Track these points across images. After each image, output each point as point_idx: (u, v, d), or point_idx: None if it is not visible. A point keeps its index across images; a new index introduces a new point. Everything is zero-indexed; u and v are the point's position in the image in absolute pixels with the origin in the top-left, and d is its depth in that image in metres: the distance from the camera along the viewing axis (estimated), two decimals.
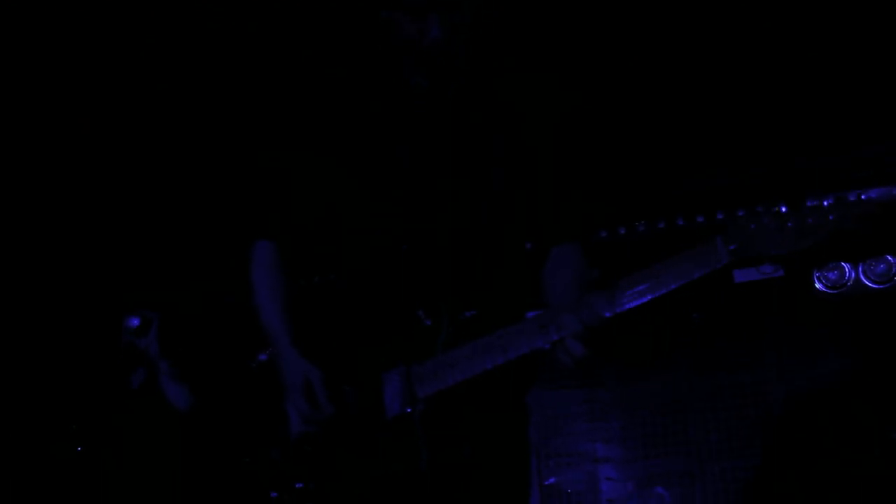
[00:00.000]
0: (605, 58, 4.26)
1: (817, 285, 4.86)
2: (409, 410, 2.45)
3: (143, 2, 3.87)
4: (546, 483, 5.06)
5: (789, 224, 2.20)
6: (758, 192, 4.73)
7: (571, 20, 4.09)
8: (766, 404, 4.80)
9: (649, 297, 2.32)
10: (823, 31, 4.13)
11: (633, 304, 2.32)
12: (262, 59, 4.14)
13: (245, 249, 2.81)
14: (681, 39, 4.20)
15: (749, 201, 4.63)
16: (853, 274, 4.80)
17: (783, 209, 2.17)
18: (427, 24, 2.49)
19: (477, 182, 2.59)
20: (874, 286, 4.76)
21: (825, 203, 2.13)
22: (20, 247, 4.58)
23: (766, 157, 4.73)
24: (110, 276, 4.50)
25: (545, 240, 2.61)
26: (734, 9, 4.05)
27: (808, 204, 2.14)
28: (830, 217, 2.16)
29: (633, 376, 5.08)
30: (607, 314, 2.31)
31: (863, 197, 2.18)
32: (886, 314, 4.69)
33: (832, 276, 4.84)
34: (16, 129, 4.21)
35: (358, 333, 2.59)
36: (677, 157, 4.73)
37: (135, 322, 2.75)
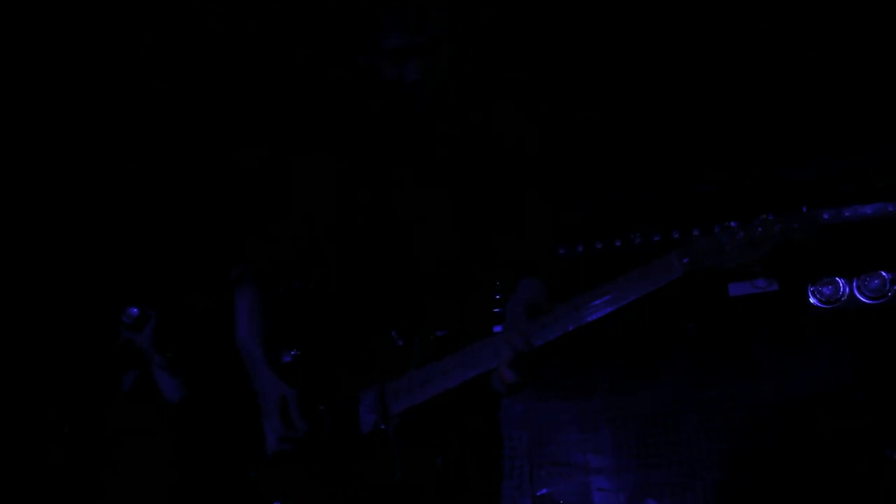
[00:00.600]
0: (571, 77, 4.29)
1: (812, 300, 4.87)
2: (382, 427, 2.53)
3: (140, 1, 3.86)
4: (538, 493, 5.06)
5: (739, 236, 2.26)
6: (724, 207, 4.79)
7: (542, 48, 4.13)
8: (760, 417, 4.81)
9: (587, 320, 2.36)
10: (794, 45, 4.16)
11: (564, 330, 2.39)
12: (254, 65, 4.15)
13: (227, 268, 2.85)
14: (645, 56, 4.22)
15: (713, 218, 4.69)
16: (848, 289, 4.82)
17: (733, 223, 2.28)
18: (406, 67, 2.56)
19: (453, 207, 2.66)
20: (868, 301, 4.78)
21: (771, 216, 2.23)
22: (15, 245, 4.56)
23: (736, 170, 4.76)
24: (105, 274, 4.50)
25: (509, 275, 2.68)
26: (700, 27, 4.07)
27: (758, 217, 2.23)
28: (776, 228, 2.26)
29: (626, 386, 5.08)
30: (537, 342, 2.37)
31: (806, 209, 2.23)
32: (880, 329, 4.71)
33: (827, 290, 4.86)
34: (16, 129, 4.21)
35: (334, 352, 2.69)
36: (639, 173, 4.76)
37: (134, 311, 2.81)
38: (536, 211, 2.72)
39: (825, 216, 4.84)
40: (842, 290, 4.85)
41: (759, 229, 2.29)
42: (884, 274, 4.77)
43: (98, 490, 4.47)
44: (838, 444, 4.57)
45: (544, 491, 5.07)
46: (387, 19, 2.54)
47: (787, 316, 4.88)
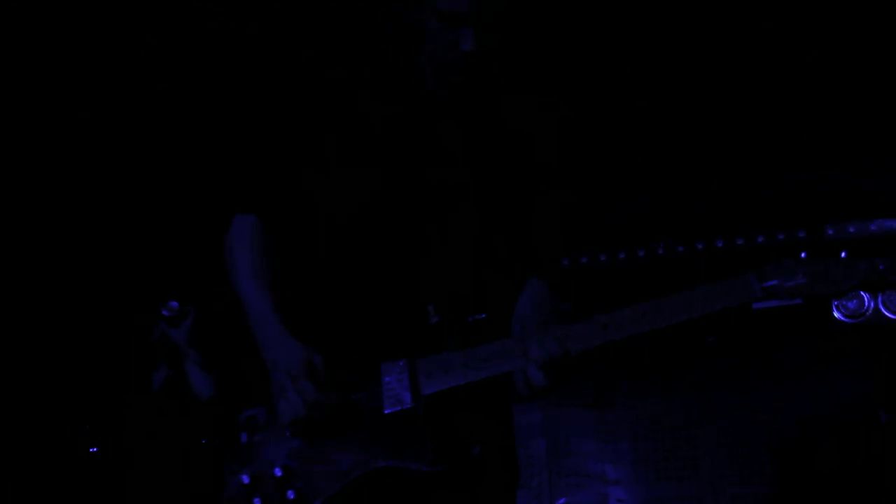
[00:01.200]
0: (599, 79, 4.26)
1: (836, 314, 4.82)
2: (411, 405, 2.40)
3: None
4: (556, 503, 5.04)
5: (820, 268, 2.30)
6: (751, 219, 4.77)
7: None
8: (780, 431, 4.76)
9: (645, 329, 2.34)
10: (821, 56, 4.12)
11: (605, 341, 2.36)
12: (268, 46, 4.09)
13: (222, 224, 2.68)
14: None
15: (737, 231, 4.68)
16: (872, 304, 4.77)
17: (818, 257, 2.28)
18: (460, 36, 2.44)
19: (480, 196, 2.60)
20: (893, 316, 4.72)
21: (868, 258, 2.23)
22: (39, 243, 4.58)
23: (756, 183, 4.73)
24: (142, 269, 4.50)
25: (518, 273, 2.61)
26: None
27: (842, 255, 2.24)
28: (861, 267, 2.28)
29: (646, 397, 5.05)
30: (575, 349, 2.32)
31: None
32: None
33: (851, 305, 4.81)
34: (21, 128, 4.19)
35: (352, 319, 2.54)
36: (660, 184, 4.74)
37: (174, 305, 2.70)
38: (548, 214, 2.66)
39: (851, 230, 4.81)
40: (866, 304, 4.80)
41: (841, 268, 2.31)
42: None
43: (123, 489, 4.47)
44: (859, 460, 4.52)
45: (562, 501, 5.04)
46: None
47: (810, 330, 4.83)
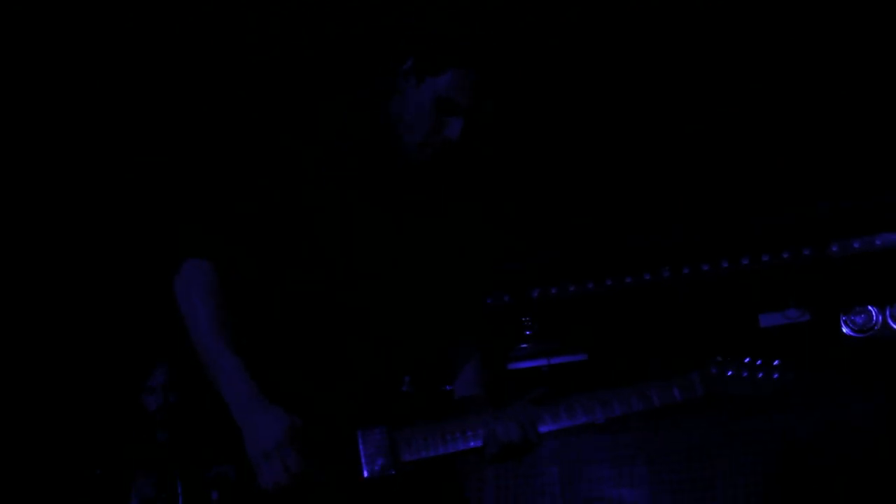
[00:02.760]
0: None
1: (844, 329, 4.83)
2: (392, 472, 2.43)
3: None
4: None
5: (758, 375, 2.54)
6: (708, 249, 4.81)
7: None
8: (793, 449, 4.75)
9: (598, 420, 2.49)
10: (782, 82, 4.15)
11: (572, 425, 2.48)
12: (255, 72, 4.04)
13: (167, 269, 2.50)
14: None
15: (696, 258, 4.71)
16: (880, 318, 4.78)
17: (757, 362, 2.54)
18: (450, 124, 2.43)
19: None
20: None
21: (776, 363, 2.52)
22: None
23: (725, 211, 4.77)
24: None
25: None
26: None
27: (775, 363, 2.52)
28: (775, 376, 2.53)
29: (659, 421, 5.05)
30: (544, 430, 2.43)
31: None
32: None
33: (859, 319, 4.82)
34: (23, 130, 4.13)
35: (323, 384, 2.50)
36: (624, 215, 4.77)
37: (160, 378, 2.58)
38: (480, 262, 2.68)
39: (856, 244, 4.82)
40: (874, 318, 4.80)
41: (776, 375, 2.53)
42: None
43: None
44: (873, 475, 4.50)
45: None
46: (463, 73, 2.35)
47: (819, 346, 4.83)
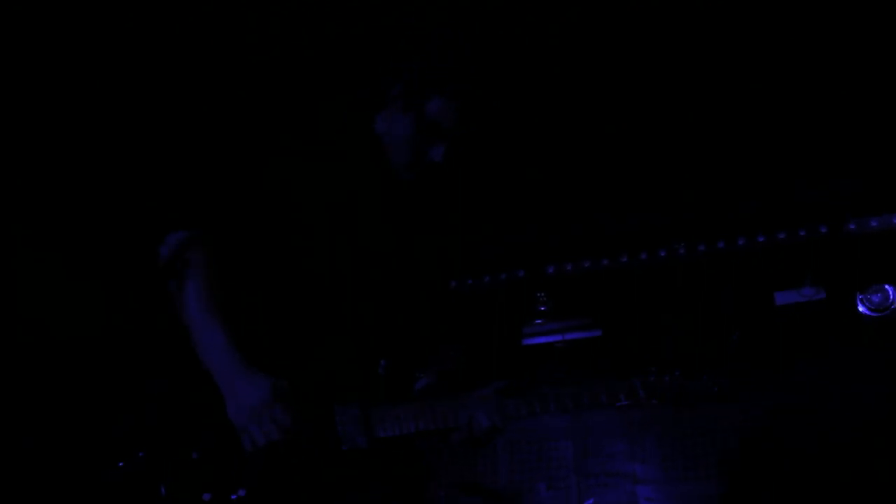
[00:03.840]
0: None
1: (860, 308, 4.81)
2: (364, 446, 2.54)
3: None
4: (585, 503, 5.06)
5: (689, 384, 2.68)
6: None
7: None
8: (807, 428, 4.75)
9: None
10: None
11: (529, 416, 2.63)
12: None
13: (153, 242, 2.54)
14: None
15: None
16: None
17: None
18: (434, 146, 2.51)
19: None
20: None
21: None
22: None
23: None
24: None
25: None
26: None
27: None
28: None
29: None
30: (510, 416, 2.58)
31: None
32: None
33: (875, 298, 4.80)
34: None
35: (302, 355, 2.58)
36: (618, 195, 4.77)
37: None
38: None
39: (873, 223, 4.79)
40: (891, 297, 4.78)
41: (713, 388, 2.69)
42: None
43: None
44: (890, 457, 4.50)
45: (590, 501, 5.06)
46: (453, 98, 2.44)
47: (835, 325, 4.82)
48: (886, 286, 4.79)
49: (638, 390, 2.62)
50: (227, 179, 2.56)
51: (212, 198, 2.56)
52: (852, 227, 4.76)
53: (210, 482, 2.48)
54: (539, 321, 5.15)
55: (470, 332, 2.78)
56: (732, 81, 4.25)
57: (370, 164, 2.58)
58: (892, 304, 4.77)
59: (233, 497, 2.46)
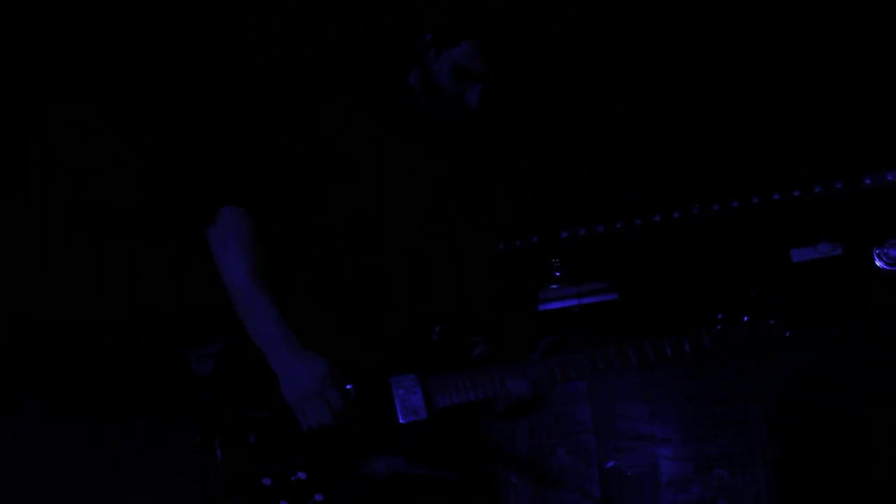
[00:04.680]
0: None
1: (877, 262, 4.78)
2: (424, 417, 2.50)
3: None
4: (606, 466, 5.07)
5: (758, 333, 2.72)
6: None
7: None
8: (826, 386, 4.75)
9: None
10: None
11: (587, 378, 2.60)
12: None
13: (201, 219, 2.55)
14: None
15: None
16: None
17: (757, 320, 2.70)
18: (469, 91, 2.54)
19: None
20: None
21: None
22: None
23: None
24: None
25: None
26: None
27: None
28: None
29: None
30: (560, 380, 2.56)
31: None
32: None
33: (893, 252, 4.77)
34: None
35: (354, 330, 2.57)
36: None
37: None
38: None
39: (889, 177, 4.75)
40: None
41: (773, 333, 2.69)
42: None
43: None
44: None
45: (611, 464, 5.07)
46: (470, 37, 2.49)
47: (851, 280, 4.80)
48: None
49: (704, 339, 2.59)
50: (270, 155, 2.57)
51: (258, 174, 2.56)
52: (868, 181, 4.73)
53: (269, 466, 2.45)
54: (555, 286, 5.14)
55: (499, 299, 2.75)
56: (748, 35, 4.22)
57: (409, 135, 2.61)
58: None
59: (292, 479, 2.44)
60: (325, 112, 2.60)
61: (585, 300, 5.14)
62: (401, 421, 2.48)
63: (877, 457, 4.45)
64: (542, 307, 5.19)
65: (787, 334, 2.67)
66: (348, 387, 2.48)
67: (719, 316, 2.61)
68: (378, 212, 2.57)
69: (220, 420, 2.47)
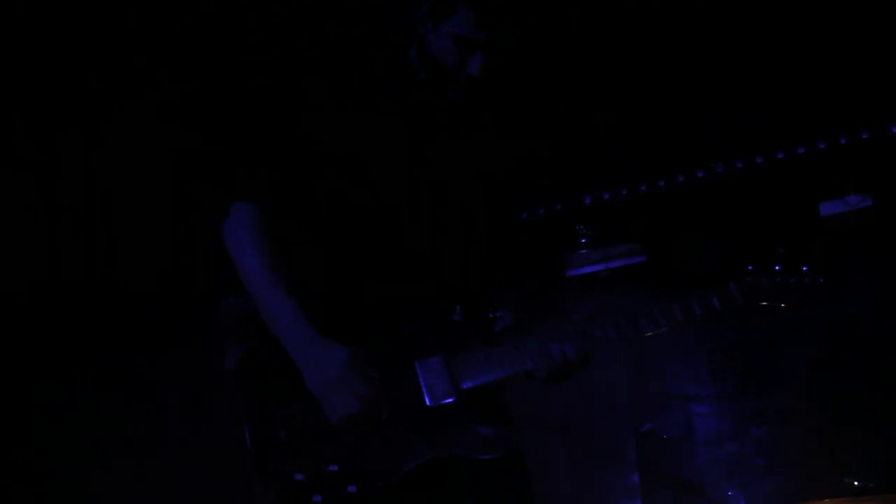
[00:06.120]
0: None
1: None
2: (451, 400, 2.46)
3: None
4: (642, 430, 5.08)
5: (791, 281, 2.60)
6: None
7: None
8: (859, 339, 4.72)
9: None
10: None
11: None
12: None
13: (214, 215, 2.54)
14: None
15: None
16: None
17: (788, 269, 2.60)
18: (469, 60, 2.49)
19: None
20: None
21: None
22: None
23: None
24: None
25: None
26: None
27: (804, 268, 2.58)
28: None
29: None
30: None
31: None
32: None
33: None
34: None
35: (375, 316, 2.53)
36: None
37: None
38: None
39: None
40: None
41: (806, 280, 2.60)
42: None
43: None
44: None
45: (647, 426, 5.09)
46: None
47: (882, 232, 4.75)
48: None
49: (735, 295, 2.53)
50: (278, 148, 2.56)
51: (268, 168, 2.55)
52: (894, 130, 4.65)
53: (301, 461, 2.44)
54: (582, 252, 5.12)
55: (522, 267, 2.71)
56: None
57: (414, 109, 2.59)
58: None
59: (325, 472, 2.42)
60: (328, 97, 2.57)
61: (613, 264, 5.12)
62: (428, 404, 2.46)
63: None
64: (570, 273, 5.18)
65: (822, 281, 2.56)
66: (375, 375, 2.47)
67: (749, 268, 2.55)
68: (390, 192, 2.55)
69: (249, 418, 2.45)
